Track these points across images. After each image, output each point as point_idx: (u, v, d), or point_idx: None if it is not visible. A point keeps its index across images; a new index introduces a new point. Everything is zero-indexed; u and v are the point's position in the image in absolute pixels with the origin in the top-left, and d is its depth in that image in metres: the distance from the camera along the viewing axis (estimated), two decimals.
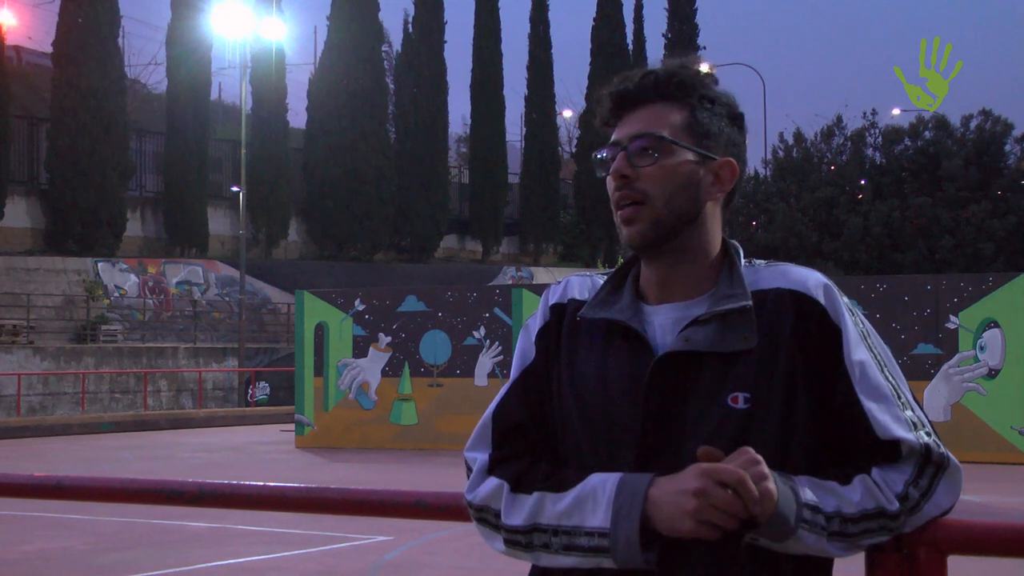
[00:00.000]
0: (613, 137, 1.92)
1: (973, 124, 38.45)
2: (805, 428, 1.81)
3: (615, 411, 1.84)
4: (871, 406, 1.80)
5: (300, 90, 41.87)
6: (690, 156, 1.87)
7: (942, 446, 1.81)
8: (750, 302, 1.83)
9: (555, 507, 1.80)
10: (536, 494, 1.83)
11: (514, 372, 1.97)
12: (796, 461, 1.80)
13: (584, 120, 46.90)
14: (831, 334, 1.83)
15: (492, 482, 1.87)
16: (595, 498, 1.77)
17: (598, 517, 1.76)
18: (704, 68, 1.97)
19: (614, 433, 1.83)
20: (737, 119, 1.94)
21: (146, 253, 36.65)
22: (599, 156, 1.93)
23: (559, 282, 2.02)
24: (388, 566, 8.67)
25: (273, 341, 34.87)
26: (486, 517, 1.87)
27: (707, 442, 1.76)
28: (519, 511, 1.83)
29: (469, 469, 1.93)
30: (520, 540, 1.83)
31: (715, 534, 1.70)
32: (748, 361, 1.81)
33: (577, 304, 1.95)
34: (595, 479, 1.79)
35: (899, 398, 1.83)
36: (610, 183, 1.90)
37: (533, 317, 2.00)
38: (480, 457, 1.91)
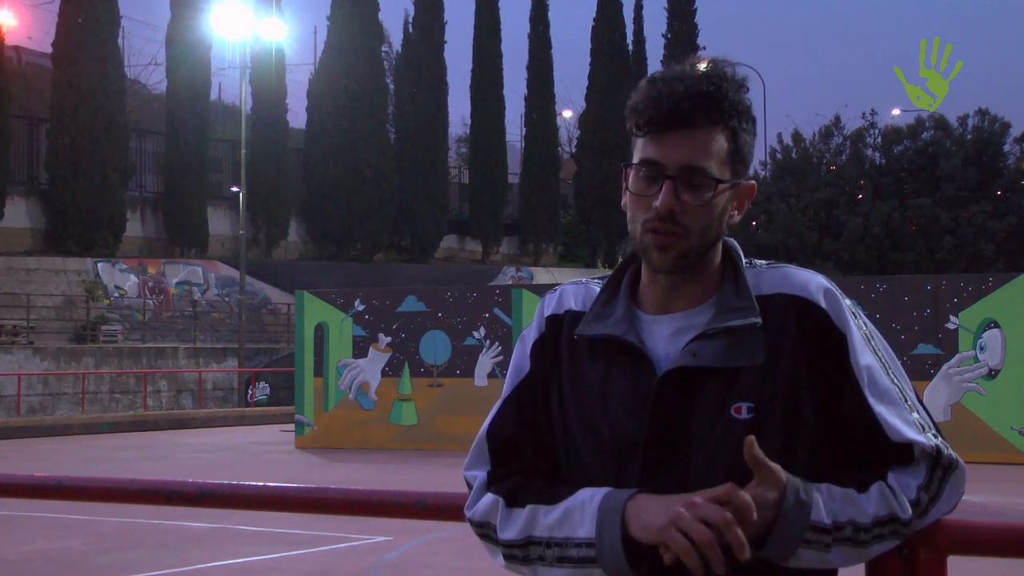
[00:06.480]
0: (652, 154, 1.80)
1: (970, 124, 38.45)
2: (811, 436, 1.80)
3: (619, 426, 1.83)
4: (881, 410, 1.78)
5: (300, 90, 41.95)
6: (727, 187, 1.83)
7: (949, 447, 1.81)
8: (759, 320, 1.80)
9: (546, 519, 1.80)
10: (529, 507, 1.83)
11: (507, 387, 1.96)
12: (801, 469, 1.78)
13: (584, 120, 46.90)
14: (836, 340, 1.81)
15: (489, 498, 1.87)
16: (583, 510, 1.77)
17: (585, 527, 1.76)
18: (730, 69, 1.83)
19: (618, 447, 1.83)
20: (754, 125, 1.88)
21: (146, 253, 36.63)
22: (638, 171, 1.82)
23: (554, 291, 1.99)
24: (388, 566, 8.67)
25: (273, 341, 34.86)
26: (487, 533, 1.88)
27: (711, 453, 1.76)
28: (514, 525, 1.84)
29: (469, 487, 1.93)
30: (517, 554, 1.84)
31: (672, 557, 1.67)
32: (751, 371, 1.79)
33: (573, 314, 1.92)
34: (584, 492, 1.79)
35: (906, 401, 1.82)
36: (642, 202, 1.82)
37: (529, 328, 1.98)
38: (479, 475, 1.91)
